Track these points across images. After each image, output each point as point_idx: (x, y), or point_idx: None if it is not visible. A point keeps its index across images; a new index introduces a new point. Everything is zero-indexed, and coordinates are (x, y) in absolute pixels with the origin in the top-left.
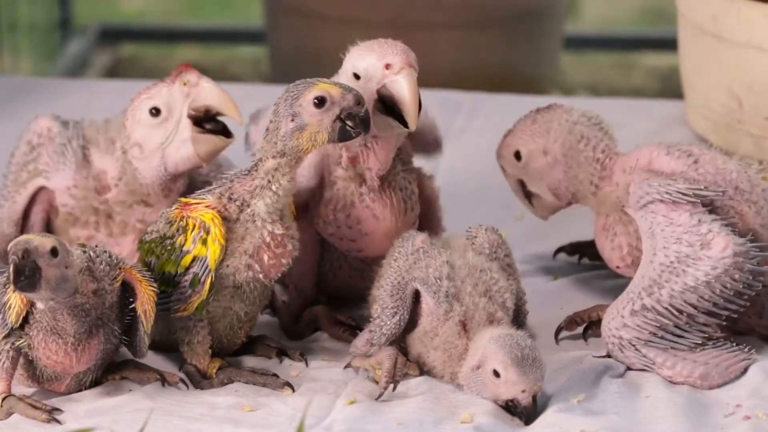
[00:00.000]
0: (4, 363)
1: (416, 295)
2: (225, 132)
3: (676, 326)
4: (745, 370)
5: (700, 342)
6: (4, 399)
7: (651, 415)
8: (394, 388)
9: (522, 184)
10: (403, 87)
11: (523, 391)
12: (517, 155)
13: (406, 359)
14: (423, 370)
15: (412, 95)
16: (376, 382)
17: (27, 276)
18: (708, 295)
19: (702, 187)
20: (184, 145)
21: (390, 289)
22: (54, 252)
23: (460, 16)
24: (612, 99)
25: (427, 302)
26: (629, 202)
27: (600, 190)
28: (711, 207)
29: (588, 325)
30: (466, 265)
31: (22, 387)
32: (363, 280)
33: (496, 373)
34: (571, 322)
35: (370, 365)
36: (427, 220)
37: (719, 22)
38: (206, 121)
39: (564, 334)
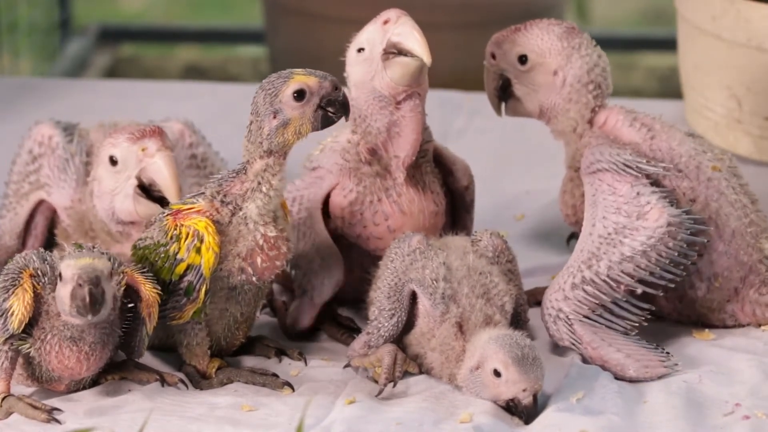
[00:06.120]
0: (3, 363)
1: (413, 297)
2: (163, 202)
3: (614, 302)
4: (661, 376)
5: (636, 323)
6: (3, 399)
7: (651, 419)
8: (395, 385)
9: (501, 78)
10: (406, 27)
11: (524, 390)
12: (522, 59)
13: (406, 356)
14: (422, 370)
15: (414, 29)
16: (376, 381)
17: (100, 303)
18: (644, 264)
19: (645, 161)
20: (126, 200)
21: (387, 291)
22: (111, 273)
23: (460, 16)
24: (612, 99)
25: (423, 304)
26: (582, 165)
27: (580, 138)
28: (654, 181)
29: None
30: (464, 267)
31: (21, 387)
32: (370, 286)
33: (497, 373)
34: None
35: (369, 363)
36: (460, 222)
37: (719, 22)
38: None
39: None
